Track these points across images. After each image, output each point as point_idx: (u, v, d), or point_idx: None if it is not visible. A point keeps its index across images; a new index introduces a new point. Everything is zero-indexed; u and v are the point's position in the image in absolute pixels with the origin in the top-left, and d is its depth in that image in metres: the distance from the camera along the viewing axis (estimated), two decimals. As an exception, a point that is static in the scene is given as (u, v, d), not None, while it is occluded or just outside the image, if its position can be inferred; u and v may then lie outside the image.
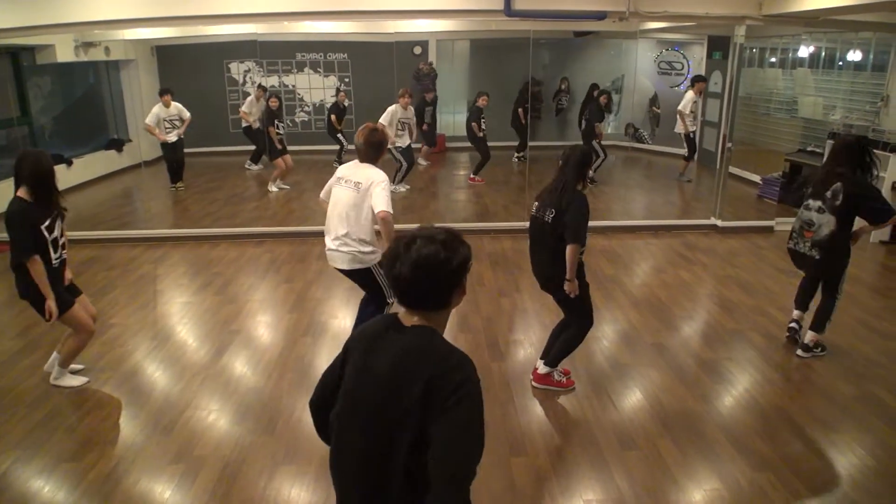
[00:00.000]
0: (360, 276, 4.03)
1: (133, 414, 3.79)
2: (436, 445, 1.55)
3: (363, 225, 3.86)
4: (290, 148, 9.30)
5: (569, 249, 3.57)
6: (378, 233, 3.91)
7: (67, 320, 3.93)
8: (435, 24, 10.32)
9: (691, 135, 9.49)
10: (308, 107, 12.50)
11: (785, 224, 7.48)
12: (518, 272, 6.01)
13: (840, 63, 8.62)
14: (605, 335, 4.79)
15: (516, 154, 11.32)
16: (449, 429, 1.55)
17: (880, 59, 7.91)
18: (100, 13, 6.47)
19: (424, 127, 10.62)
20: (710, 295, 5.65)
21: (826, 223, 4.13)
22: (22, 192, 3.65)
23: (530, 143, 10.58)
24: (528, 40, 8.27)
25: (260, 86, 10.52)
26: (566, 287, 3.67)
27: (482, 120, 9.56)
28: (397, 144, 8.63)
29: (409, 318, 1.70)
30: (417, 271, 1.62)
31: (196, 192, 9.44)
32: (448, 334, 3.77)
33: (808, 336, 4.40)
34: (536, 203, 3.78)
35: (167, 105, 8.98)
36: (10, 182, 3.73)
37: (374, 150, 3.84)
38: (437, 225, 1.75)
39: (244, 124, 10.27)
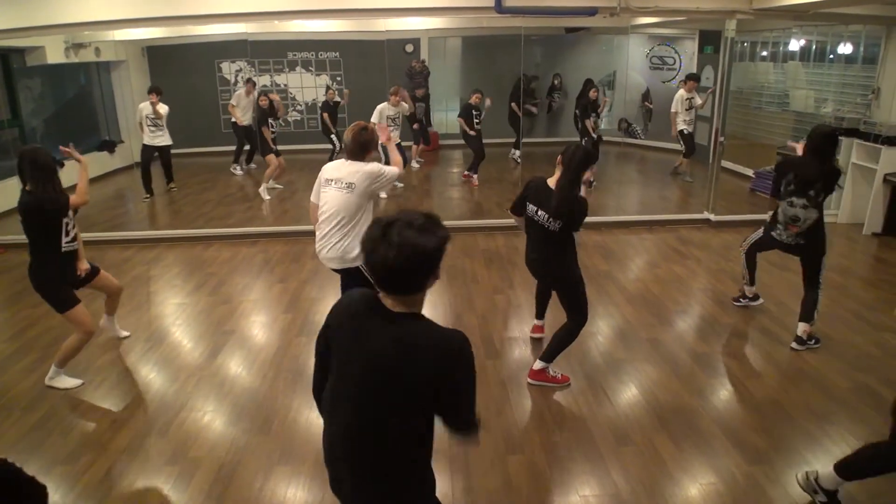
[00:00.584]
0: (352, 274, 4.05)
1: (128, 416, 3.78)
2: (446, 405, 1.75)
3: (353, 225, 3.87)
4: (281, 147, 9.25)
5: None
6: None
7: (70, 318, 4.00)
8: (427, 22, 10.32)
9: (685, 131, 9.37)
10: (300, 106, 12.47)
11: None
12: (512, 269, 6.01)
13: (831, 56, 8.64)
14: (599, 330, 4.80)
15: (515, 150, 11.24)
16: (457, 393, 1.75)
17: (871, 52, 7.93)
18: (90, 14, 6.43)
19: (415, 126, 10.59)
20: (704, 289, 5.66)
21: (811, 216, 4.31)
22: (30, 188, 3.86)
23: (524, 140, 10.58)
24: (519, 37, 8.28)
25: (248, 80, 10.43)
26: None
27: (475, 117, 9.41)
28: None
29: (388, 302, 1.75)
30: (397, 256, 1.63)
31: (189, 193, 9.41)
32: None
33: (801, 328, 4.43)
34: (534, 206, 3.79)
35: (155, 104, 8.72)
36: (5, 183, 3.81)
37: (360, 149, 3.84)
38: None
39: (232, 120, 10.20)
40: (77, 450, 3.43)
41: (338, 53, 12.21)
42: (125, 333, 4.85)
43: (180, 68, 11.55)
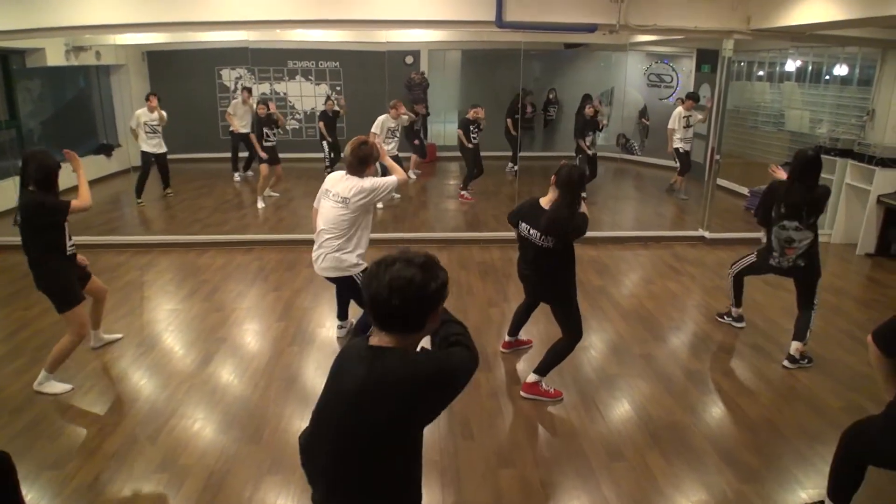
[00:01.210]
0: (344, 283, 4.20)
1: (117, 421, 3.75)
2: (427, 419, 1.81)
3: (349, 237, 4.01)
4: (280, 155, 9.27)
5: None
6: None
7: (71, 316, 4.01)
8: (427, 35, 10.37)
9: (681, 149, 9.36)
10: (299, 115, 12.49)
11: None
12: (507, 282, 6.01)
13: (826, 77, 8.72)
14: (593, 345, 4.80)
15: (512, 164, 11.26)
16: (434, 411, 1.80)
17: (866, 74, 8.00)
18: (92, 18, 6.45)
19: (416, 142, 10.60)
20: (697, 306, 5.67)
21: (806, 237, 4.35)
22: (32, 188, 3.87)
23: (521, 154, 10.61)
24: (519, 51, 8.32)
25: (244, 88, 10.44)
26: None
27: (472, 131, 9.34)
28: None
29: (379, 340, 1.74)
30: (392, 293, 1.64)
31: (185, 199, 9.40)
32: (436, 344, 3.68)
33: (794, 347, 4.45)
34: (526, 225, 3.81)
35: (151, 110, 8.74)
36: (1, 184, 3.82)
37: (360, 163, 3.93)
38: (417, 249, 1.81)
39: (230, 128, 10.23)
40: (65, 455, 3.41)
41: (338, 63, 12.25)
42: (118, 336, 4.84)
43: (180, 74, 11.57)
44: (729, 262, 6.68)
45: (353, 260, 4.07)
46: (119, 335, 4.85)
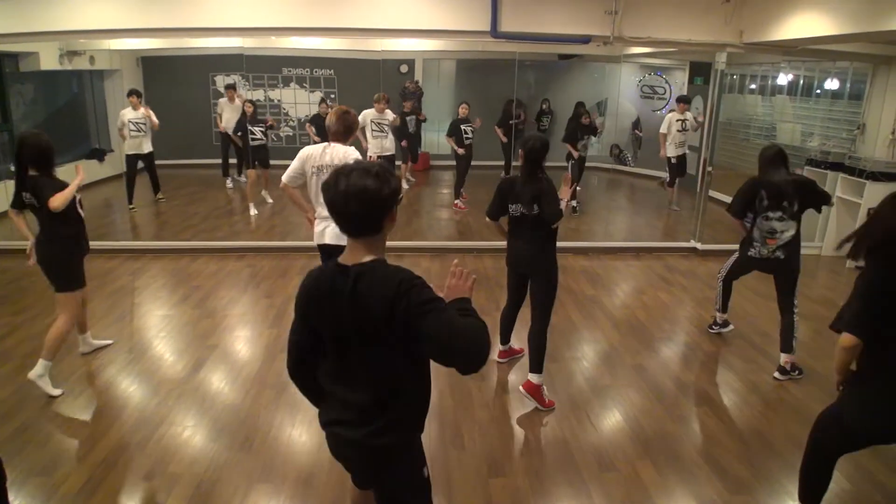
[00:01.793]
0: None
1: (106, 428, 3.73)
2: (431, 344, 1.81)
3: None
4: (273, 162, 9.27)
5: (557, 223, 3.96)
6: None
7: (69, 299, 4.11)
8: (422, 44, 10.40)
9: (672, 159, 9.33)
10: (293, 122, 12.50)
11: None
12: (500, 291, 6.01)
13: (818, 91, 8.80)
14: (585, 356, 4.80)
15: (504, 175, 11.26)
16: (433, 327, 1.79)
17: (857, 88, 8.08)
18: (86, 22, 6.45)
19: (403, 143, 10.57)
20: (689, 317, 5.69)
21: (788, 228, 4.43)
22: (34, 173, 4.00)
23: (514, 164, 10.63)
24: (513, 62, 8.36)
25: (228, 86, 10.34)
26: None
27: (464, 131, 9.27)
28: (372, 151, 8.48)
29: (349, 256, 1.92)
30: (349, 199, 1.81)
31: (177, 205, 9.37)
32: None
33: (783, 358, 4.48)
34: (512, 204, 4.01)
35: (135, 108, 8.63)
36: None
37: (347, 131, 4.09)
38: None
39: (221, 132, 10.24)
40: (53, 461, 3.38)
41: (332, 71, 12.27)
42: (108, 341, 4.82)
43: (174, 79, 11.56)
44: (720, 274, 6.78)
45: None
46: (109, 340, 4.82)
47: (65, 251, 4.15)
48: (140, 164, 8.97)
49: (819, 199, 4.49)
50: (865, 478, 3.38)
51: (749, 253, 4.62)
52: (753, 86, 10.15)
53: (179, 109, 10.85)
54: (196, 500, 3.10)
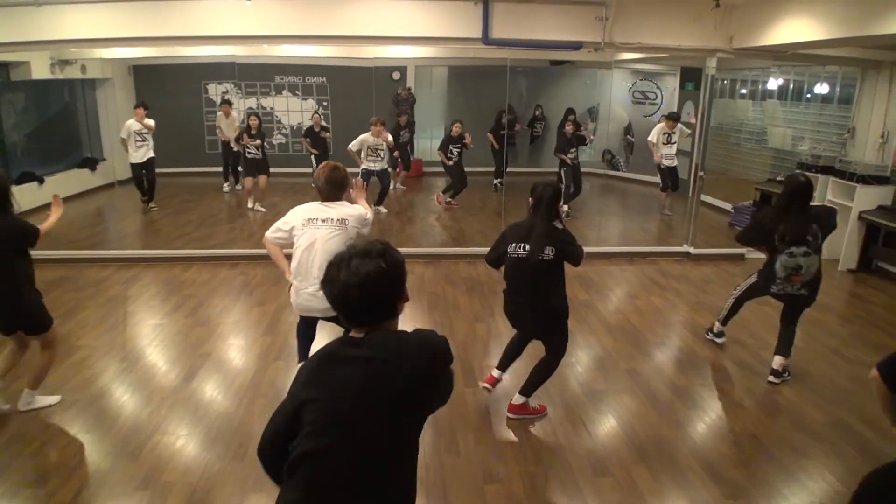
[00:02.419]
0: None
1: (99, 438, 3.70)
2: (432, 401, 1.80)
3: None
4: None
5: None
6: None
7: (52, 335, 3.95)
8: (414, 51, 10.43)
9: (662, 166, 9.40)
10: (286, 129, 12.49)
11: (756, 252, 7.60)
12: (493, 297, 6.01)
13: (808, 95, 8.86)
14: (579, 361, 4.81)
15: (497, 180, 11.30)
16: (443, 389, 1.82)
17: (846, 93, 8.14)
18: (77, 31, 6.44)
19: (396, 153, 10.59)
20: (683, 321, 5.70)
21: (814, 262, 4.26)
22: None
23: (508, 170, 10.66)
24: (505, 68, 8.39)
25: (224, 101, 10.52)
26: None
27: (452, 148, 9.55)
28: (370, 167, 8.74)
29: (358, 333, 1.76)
30: (361, 290, 1.66)
31: (170, 213, 9.34)
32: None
33: (777, 361, 4.47)
34: (516, 244, 3.69)
35: (141, 119, 8.85)
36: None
37: (337, 188, 3.77)
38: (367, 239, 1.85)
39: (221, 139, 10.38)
40: (46, 472, 3.35)
41: (325, 79, 12.27)
42: (54, 400, 4.07)
43: (167, 88, 11.53)
44: (713, 278, 6.81)
45: None
46: (56, 398, 4.10)
47: (34, 290, 3.87)
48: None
49: (830, 229, 4.38)
50: (858, 479, 3.38)
51: (772, 290, 4.45)
52: (744, 90, 10.22)
53: (171, 118, 10.82)
54: (190, 509, 3.08)
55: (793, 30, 5.96)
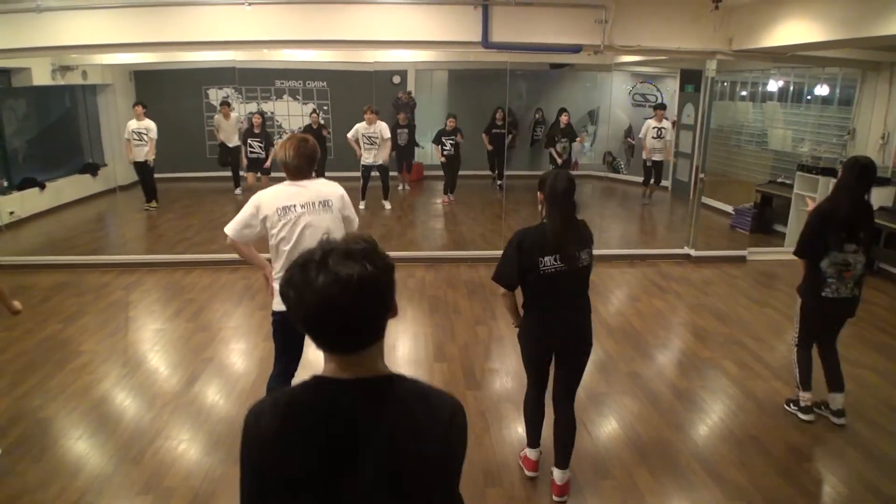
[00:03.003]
0: None
1: (101, 443, 3.71)
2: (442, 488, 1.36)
3: None
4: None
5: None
6: None
7: None
8: (414, 55, 10.44)
9: (647, 162, 9.86)
10: (286, 133, 12.50)
11: (757, 254, 7.64)
12: (494, 300, 6.02)
13: (808, 97, 8.86)
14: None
15: (497, 180, 11.37)
16: (453, 487, 1.38)
17: (846, 94, 8.15)
18: (78, 37, 6.45)
19: (393, 152, 10.60)
20: (684, 323, 5.70)
21: (860, 260, 3.80)
22: None
23: (508, 172, 10.68)
24: (505, 72, 8.41)
25: (224, 103, 10.60)
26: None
27: (445, 140, 9.91)
28: (369, 161, 9.13)
29: (344, 371, 1.30)
30: (345, 301, 1.20)
31: (171, 218, 9.36)
32: (424, 363, 3.72)
33: (839, 400, 3.97)
34: (547, 257, 2.97)
35: (139, 118, 9.00)
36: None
37: (309, 163, 3.28)
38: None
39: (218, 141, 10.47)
40: (48, 477, 3.35)
41: (325, 83, 12.29)
42: None
43: (167, 93, 11.54)
44: (714, 281, 6.80)
45: None
46: None
47: None
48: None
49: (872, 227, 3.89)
50: (861, 482, 3.39)
51: (824, 294, 3.81)
52: (744, 92, 10.22)
53: (172, 123, 10.82)
54: (191, 514, 3.08)
55: (792, 31, 5.96)
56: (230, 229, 3.32)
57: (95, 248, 7.77)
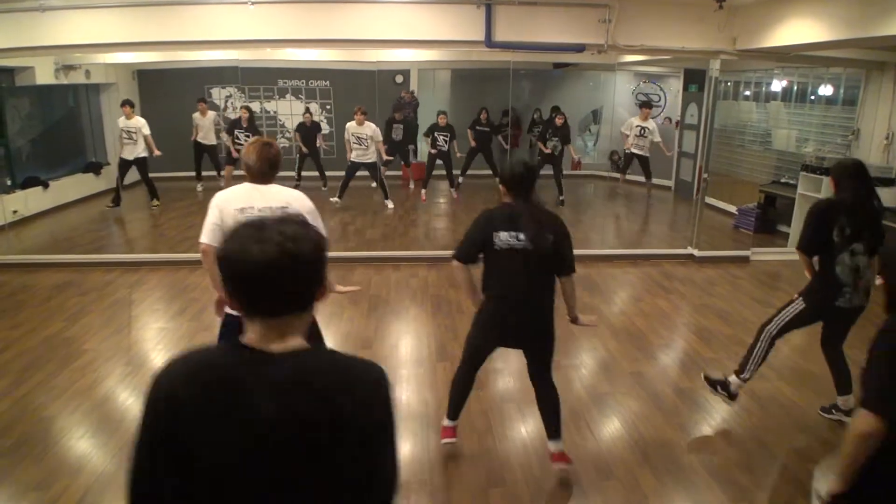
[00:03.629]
0: None
1: (103, 441, 3.71)
2: (366, 473, 1.29)
3: None
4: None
5: (570, 282, 3.20)
6: None
7: None
8: (417, 54, 10.45)
9: (626, 151, 10.19)
10: (289, 132, 12.50)
11: (761, 254, 7.62)
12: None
13: (812, 97, 8.84)
14: (583, 363, 4.80)
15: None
16: (380, 452, 1.31)
17: (850, 94, 8.12)
18: (81, 36, 6.46)
19: (381, 148, 10.59)
20: (687, 324, 5.69)
21: (868, 264, 3.56)
22: None
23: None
24: (508, 71, 8.40)
25: (200, 100, 10.66)
26: (585, 320, 3.32)
27: (437, 135, 10.06)
28: (357, 160, 9.34)
29: (262, 340, 1.29)
30: (295, 260, 1.24)
31: (174, 217, 9.36)
32: (426, 363, 3.72)
33: (852, 401, 3.84)
34: (511, 232, 2.99)
35: (128, 117, 9.01)
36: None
37: (272, 167, 3.18)
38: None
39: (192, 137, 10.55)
40: (50, 476, 3.35)
41: (328, 82, 12.29)
42: None
43: (170, 92, 11.56)
44: (717, 281, 6.78)
45: None
46: None
47: None
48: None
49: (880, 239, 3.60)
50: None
51: (838, 303, 3.61)
52: (748, 92, 10.20)
53: (175, 122, 10.84)
54: (194, 513, 3.08)
55: (796, 31, 5.95)
56: (203, 236, 3.21)
57: (98, 247, 7.78)
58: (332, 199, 9.50)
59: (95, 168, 10.63)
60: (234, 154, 9.25)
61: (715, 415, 4.11)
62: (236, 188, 3.22)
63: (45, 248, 7.61)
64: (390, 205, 9.53)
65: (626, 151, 10.30)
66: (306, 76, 12.21)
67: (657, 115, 11.93)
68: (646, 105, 10.07)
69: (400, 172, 11.66)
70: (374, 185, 10.86)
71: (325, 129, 11.09)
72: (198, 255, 7.43)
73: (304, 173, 10.85)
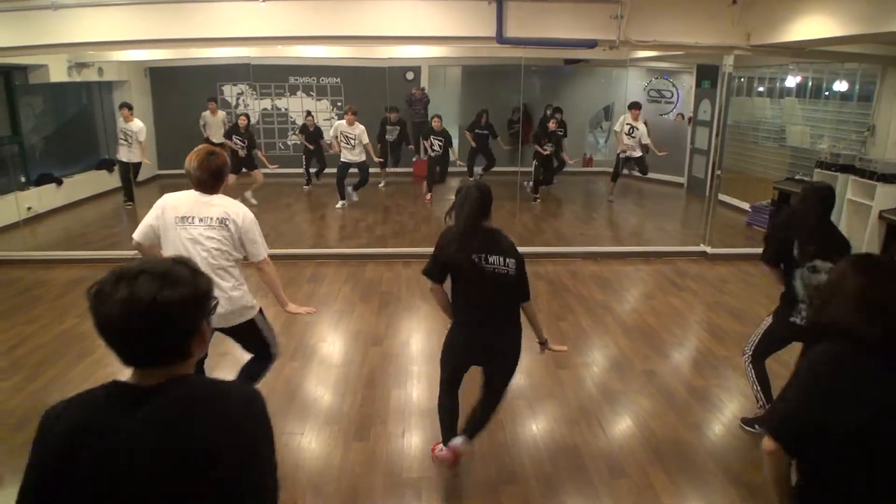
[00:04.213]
0: (242, 332, 3.53)
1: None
2: (241, 495, 1.31)
3: (234, 270, 3.39)
4: (281, 171, 9.40)
5: (531, 307, 3.17)
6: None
7: None
8: (428, 51, 10.45)
9: (620, 155, 9.94)
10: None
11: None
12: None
13: (826, 93, 8.75)
14: (595, 361, 4.78)
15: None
16: (259, 470, 1.35)
17: (866, 90, 8.03)
18: (94, 34, 6.49)
19: (378, 147, 10.61)
20: (700, 322, 5.65)
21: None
22: None
23: (503, 168, 10.78)
24: (519, 67, 8.37)
25: (210, 99, 10.70)
26: (554, 347, 3.35)
27: (433, 139, 9.99)
28: (347, 159, 9.38)
29: (141, 379, 1.32)
30: (129, 314, 1.25)
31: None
32: (437, 360, 3.71)
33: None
34: (482, 255, 2.96)
35: (126, 119, 9.11)
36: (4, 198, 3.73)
37: (213, 177, 3.13)
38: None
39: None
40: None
41: (339, 79, 12.31)
42: None
43: (182, 90, 11.62)
44: (730, 279, 6.73)
45: (249, 298, 3.52)
46: None
47: None
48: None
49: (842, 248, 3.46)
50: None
51: (792, 319, 3.52)
52: (762, 88, 10.11)
53: (187, 119, 10.90)
54: (206, 509, 3.09)
55: (811, 26, 5.88)
56: (136, 232, 3.18)
57: (112, 244, 7.82)
58: (336, 205, 9.57)
59: (108, 165, 10.70)
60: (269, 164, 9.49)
61: (728, 413, 4.08)
62: (184, 194, 3.17)
63: (59, 245, 7.66)
64: (355, 197, 9.71)
65: (620, 156, 10.01)
66: (317, 73, 12.24)
67: (670, 112, 11.86)
68: (634, 106, 9.90)
69: (411, 169, 11.68)
70: (380, 184, 10.92)
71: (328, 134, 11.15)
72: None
73: (311, 169, 10.95)
